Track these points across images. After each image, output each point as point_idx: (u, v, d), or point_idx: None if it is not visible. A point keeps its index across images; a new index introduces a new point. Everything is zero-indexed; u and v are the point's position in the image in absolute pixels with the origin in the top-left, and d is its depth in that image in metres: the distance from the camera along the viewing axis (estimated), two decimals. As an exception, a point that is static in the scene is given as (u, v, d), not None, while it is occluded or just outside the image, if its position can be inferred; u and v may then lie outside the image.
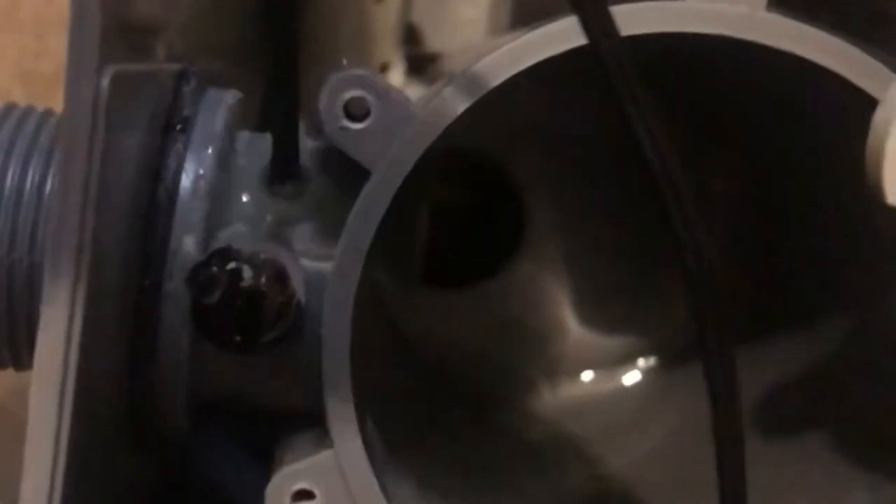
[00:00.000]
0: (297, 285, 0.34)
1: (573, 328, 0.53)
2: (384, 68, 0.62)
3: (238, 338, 0.34)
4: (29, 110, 0.36)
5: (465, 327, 0.53)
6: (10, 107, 0.36)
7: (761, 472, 0.42)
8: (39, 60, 0.82)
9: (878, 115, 0.30)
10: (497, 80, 0.33)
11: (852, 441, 0.42)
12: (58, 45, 0.84)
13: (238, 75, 0.41)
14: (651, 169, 0.27)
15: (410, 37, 0.64)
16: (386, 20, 0.63)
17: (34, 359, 0.27)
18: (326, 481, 0.34)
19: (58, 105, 0.81)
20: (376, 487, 0.34)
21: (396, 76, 0.62)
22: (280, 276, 0.33)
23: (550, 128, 0.51)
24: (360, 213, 0.34)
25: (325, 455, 0.34)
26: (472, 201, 0.54)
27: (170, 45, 0.35)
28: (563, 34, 0.33)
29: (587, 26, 0.28)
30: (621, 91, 0.27)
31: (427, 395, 0.51)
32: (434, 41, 0.64)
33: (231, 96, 0.36)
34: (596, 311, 0.53)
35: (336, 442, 0.34)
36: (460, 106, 0.33)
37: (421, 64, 0.62)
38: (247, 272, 0.33)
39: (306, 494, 0.34)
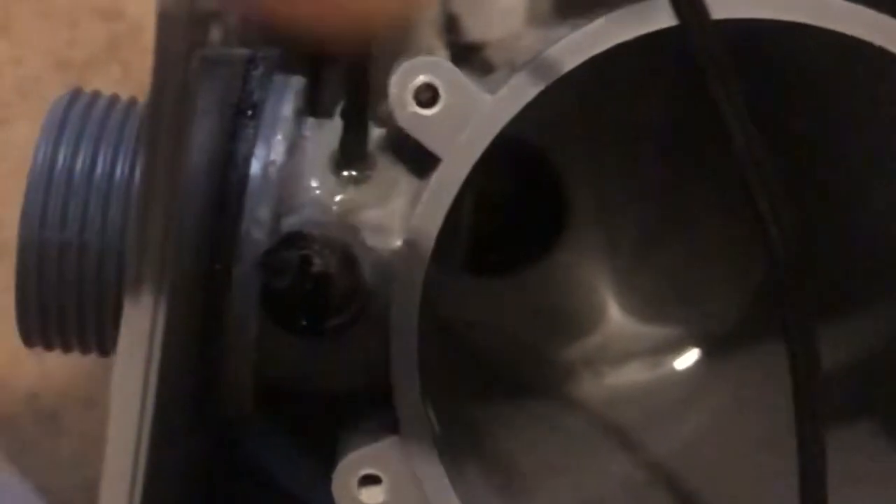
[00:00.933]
0: (365, 270, 0.34)
1: (615, 316, 0.54)
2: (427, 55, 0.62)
3: (305, 321, 0.34)
4: (96, 96, 0.37)
5: (506, 315, 0.53)
6: (78, 92, 0.36)
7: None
8: (72, 48, 0.82)
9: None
10: (565, 68, 0.34)
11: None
12: (90, 33, 0.84)
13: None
14: (736, 146, 0.27)
15: (450, 26, 0.64)
16: (428, 8, 0.63)
17: (119, 342, 0.28)
18: (393, 466, 0.34)
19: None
20: (442, 472, 0.35)
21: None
22: (349, 262, 0.34)
23: (591, 115, 0.51)
24: (429, 198, 0.34)
25: (391, 441, 0.34)
26: (513, 189, 0.54)
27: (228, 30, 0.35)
28: (630, 22, 0.33)
29: (679, 9, 0.28)
30: (711, 72, 0.27)
31: (470, 382, 0.51)
32: (473, 30, 0.64)
33: (297, 82, 0.36)
34: (637, 300, 0.54)
35: (403, 427, 0.34)
36: (530, 92, 0.34)
37: (463, 53, 0.62)
38: (317, 257, 0.33)
39: (372, 479, 0.35)
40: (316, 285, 0.33)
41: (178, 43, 0.26)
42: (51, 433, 0.76)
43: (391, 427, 0.35)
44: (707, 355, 0.51)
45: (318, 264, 0.33)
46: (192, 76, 0.27)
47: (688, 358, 0.52)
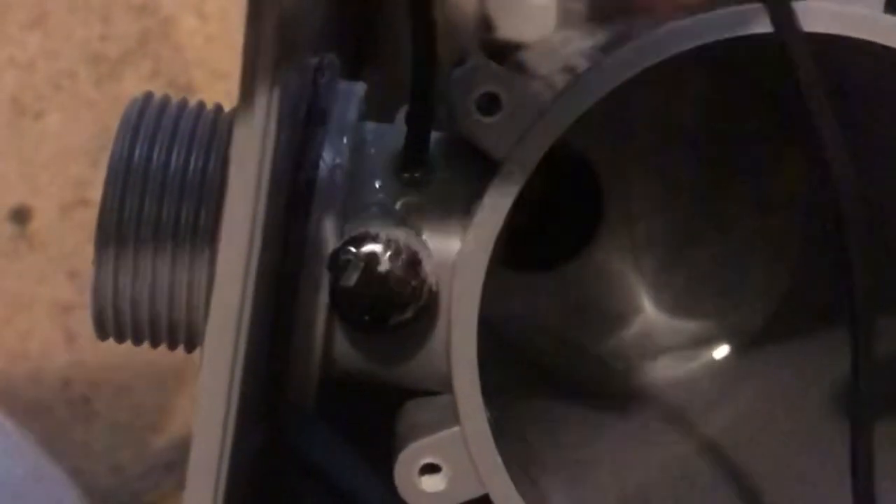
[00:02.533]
0: (429, 270, 0.35)
1: (649, 311, 0.55)
2: (463, 57, 0.63)
3: (370, 318, 0.35)
4: (166, 100, 0.38)
5: (543, 309, 0.54)
6: (150, 95, 0.38)
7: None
8: (105, 43, 0.83)
9: None
10: (624, 77, 0.35)
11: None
12: (123, 28, 0.85)
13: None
14: (821, 148, 0.28)
15: (484, 26, 0.65)
16: (464, 7, 0.64)
17: (206, 337, 0.29)
18: (453, 457, 0.36)
19: (126, 86, 0.82)
20: (500, 463, 0.36)
21: (476, 63, 0.63)
22: (413, 262, 0.35)
23: (627, 113, 0.52)
24: (490, 203, 0.35)
25: (451, 432, 0.36)
26: (551, 185, 0.55)
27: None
28: (690, 31, 0.35)
29: (776, 19, 0.29)
30: (804, 79, 0.29)
31: (509, 377, 0.52)
32: (506, 29, 0.65)
33: (360, 88, 0.38)
34: (672, 295, 0.54)
35: (462, 420, 0.35)
36: (588, 100, 0.35)
37: (497, 53, 0.63)
38: (383, 257, 0.35)
39: (432, 468, 0.36)
40: (382, 284, 0.35)
41: (268, 54, 0.27)
42: (83, 419, 0.78)
43: (451, 419, 0.36)
44: (738, 352, 0.52)
45: (383, 264, 0.35)
46: (281, 86, 0.28)
47: (720, 353, 0.53)
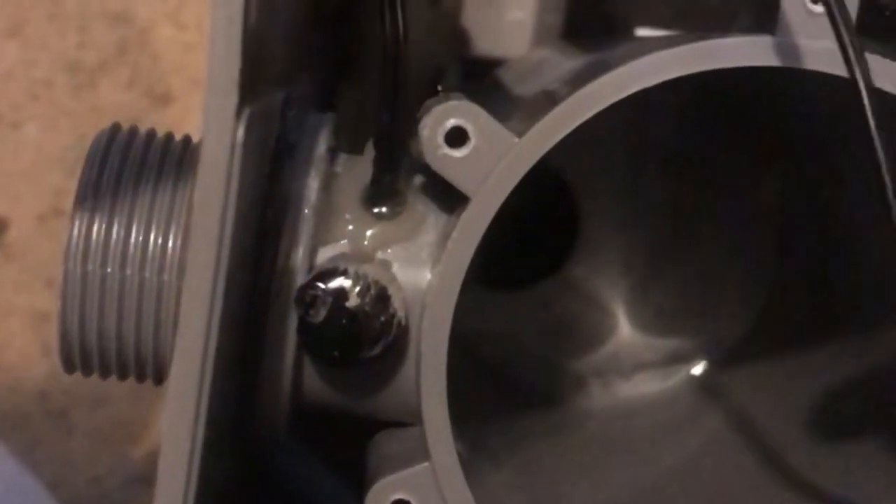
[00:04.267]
0: (398, 305, 0.35)
1: (625, 329, 0.55)
2: (440, 72, 0.63)
3: (339, 354, 0.35)
4: (134, 132, 0.38)
5: (519, 327, 0.55)
6: (117, 128, 0.38)
7: (826, 479, 0.43)
8: (83, 52, 0.83)
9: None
10: (596, 109, 0.35)
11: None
12: (100, 36, 0.85)
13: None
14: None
15: (461, 40, 0.65)
16: (441, 22, 0.64)
17: (171, 373, 0.29)
18: (423, 492, 0.36)
19: (103, 95, 0.82)
20: (470, 499, 0.36)
21: (453, 79, 0.63)
22: (382, 297, 0.35)
23: (604, 133, 0.52)
24: (459, 238, 0.35)
25: (421, 468, 0.35)
26: (527, 203, 0.55)
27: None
28: (663, 66, 0.35)
29: (848, 61, 0.31)
30: (872, 123, 0.30)
31: (484, 395, 0.52)
32: (483, 45, 0.65)
33: (329, 119, 0.37)
34: (648, 313, 0.55)
35: (433, 455, 0.35)
36: (559, 134, 0.35)
37: (475, 68, 0.63)
38: (352, 292, 0.34)
39: (403, 504, 0.36)
40: (351, 320, 0.34)
41: (229, 103, 0.27)
42: (61, 431, 0.77)
43: (421, 453, 0.36)
44: (715, 369, 0.52)
45: (352, 299, 0.34)
46: (244, 133, 0.28)
47: (696, 371, 0.53)
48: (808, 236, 0.51)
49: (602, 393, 0.53)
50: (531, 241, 0.56)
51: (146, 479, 0.77)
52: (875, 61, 0.34)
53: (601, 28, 0.60)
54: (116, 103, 0.80)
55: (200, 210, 0.26)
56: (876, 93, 0.32)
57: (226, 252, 0.28)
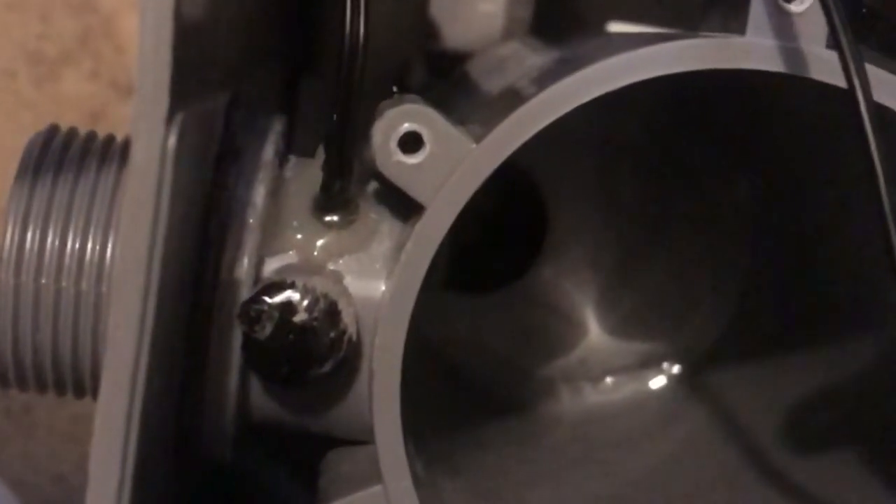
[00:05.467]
0: (349, 320, 0.33)
1: (595, 333, 0.54)
2: (406, 66, 0.62)
3: (286, 372, 0.33)
4: (72, 135, 0.36)
5: (487, 332, 0.53)
6: (54, 130, 0.36)
7: (796, 489, 0.42)
8: (44, 41, 0.81)
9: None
10: (556, 114, 0.33)
11: (882, 460, 0.42)
12: (62, 26, 0.83)
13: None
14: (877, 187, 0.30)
15: (429, 33, 0.64)
16: (406, 15, 0.62)
17: (101, 385, 0.27)
18: (375, 517, 0.34)
19: (66, 86, 0.81)
20: (423, 522, 0.34)
21: (418, 74, 0.62)
22: (332, 311, 0.33)
23: (571, 134, 0.51)
24: (413, 250, 0.33)
25: (374, 492, 0.34)
26: (494, 206, 0.54)
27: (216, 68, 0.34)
28: (628, 67, 0.33)
29: (847, 71, 0.30)
30: (866, 121, 0.29)
31: (449, 400, 0.51)
32: (451, 38, 0.63)
33: (279, 122, 0.36)
34: (619, 316, 0.53)
35: (385, 479, 0.34)
36: (518, 140, 0.33)
37: (441, 61, 0.62)
38: (299, 307, 0.33)
39: (355, 528, 0.34)
40: (298, 336, 0.33)
41: (159, 108, 0.25)
42: (23, 428, 0.76)
43: (374, 474, 0.34)
44: (685, 373, 0.51)
45: (299, 314, 0.33)
46: (176, 140, 0.26)
47: (667, 375, 0.52)
48: (780, 242, 0.50)
49: (571, 398, 0.52)
50: (498, 243, 0.54)
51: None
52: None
53: (570, 23, 0.59)
54: (80, 95, 0.79)
55: (128, 222, 0.25)
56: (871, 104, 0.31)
57: (157, 265, 0.26)
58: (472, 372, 0.52)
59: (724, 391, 0.50)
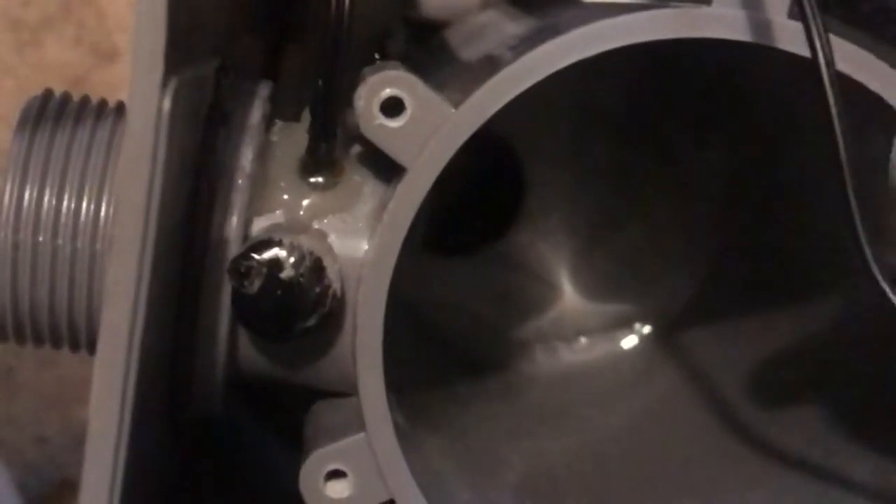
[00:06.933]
0: (334, 276, 0.35)
1: (569, 294, 0.55)
2: (386, 35, 0.62)
3: (274, 326, 0.35)
4: (66, 99, 0.37)
5: (465, 293, 0.54)
6: (49, 94, 0.37)
7: (766, 445, 0.43)
8: (26, 8, 0.81)
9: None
10: (533, 80, 0.35)
11: (848, 416, 0.43)
12: (44, -7, 0.82)
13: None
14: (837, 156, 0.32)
15: (408, 2, 0.64)
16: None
17: (99, 340, 0.28)
18: (358, 462, 0.36)
19: (48, 53, 0.81)
20: (404, 467, 0.36)
21: (398, 43, 0.62)
22: (317, 268, 0.35)
23: (547, 100, 0.52)
24: (395, 210, 0.35)
25: (357, 438, 0.35)
26: (471, 169, 0.55)
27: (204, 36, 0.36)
28: (600, 36, 0.34)
29: (811, 43, 0.31)
30: (829, 98, 0.31)
31: (427, 360, 0.52)
32: (430, 4, 0.64)
33: (265, 87, 0.37)
34: (592, 278, 0.55)
35: (368, 426, 0.35)
36: (495, 105, 0.35)
37: (421, 29, 0.62)
38: (286, 263, 0.34)
39: (339, 474, 0.36)
40: (285, 291, 0.34)
41: (154, 74, 0.26)
42: (7, 391, 0.77)
43: (357, 423, 0.36)
44: (658, 335, 0.53)
45: (286, 271, 0.34)
46: (170, 104, 0.27)
47: (640, 336, 0.53)
48: (749, 207, 0.51)
49: (546, 359, 0.53)
50: (475, 206, 0.55)
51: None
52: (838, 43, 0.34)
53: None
54: (61, 61, 0.79)
55: (126, 182, 0.26)
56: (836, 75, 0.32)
57: (153, 226, 0.28)
58: (449, 332, 0.53)
59: (693, 351, 0.51)
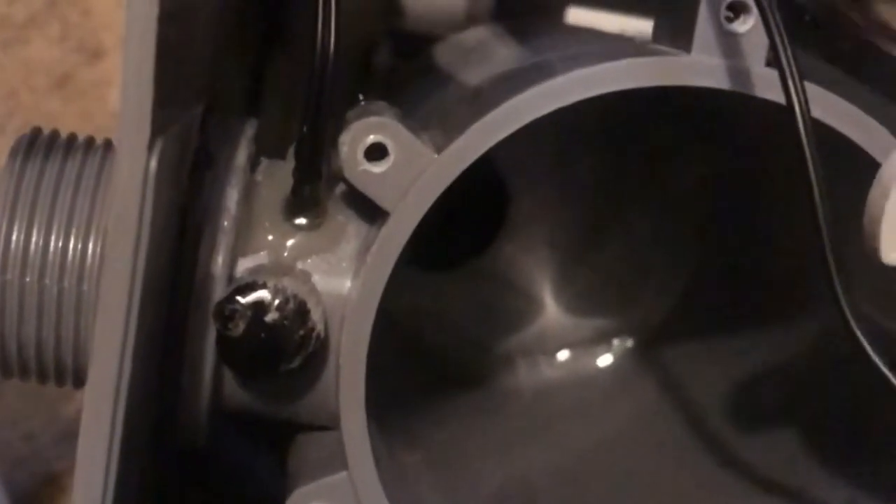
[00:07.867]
0: (318, 318, 0.35)
1: (551, 308, 0.55)
2: (372, 47, 0.63)
3: (258, 367, 0.35)
4: (55, 137, 0.37)
5: (448, 307, 0.55)
6: (37, 132, 0.37)
7: (741, 462, 0.44)
8: (12, 6, 0.81)
9: (882, 173, 0.32)
10: (513, 127, 0.35)
11: (828, 441, 0.44)
12: (30, -10, 0.82)
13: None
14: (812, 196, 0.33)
15: (393, 14, 0.65)
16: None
17: (88, 382, 0.29)
18: (341, 501, 0.36)
19: (34, 50, 0.81)
20: (386, 504, 0.36)
21: (384, 55, 0.63)
22: (301, 311, 0.35)
23: (535, 124, 0.52)
24: (378, 253, 0.35)
25: (340, 477, 0.36)
26: (456, 184, 0.55)
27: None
28: (582, 82, 0.35)
29: (787, 91, 0.32)
30: (805, 139, 0.32)
31: (408, 373, 0.53)
32: (415, 18, 0.64)
33: (250, 126, 0.37)
34: (574, 292, 0.55)
35: (351, 465, 0.36)
36: (476, 152, 0.35)
37: (407, 43, 0.63)
38: (270, 307, 0.35)
39: (322, 511, 0.36)
40: (269, 334, 0.35)
41: (142, 135, 0.27)
42: (-8, 387, 0.77)
43: (340, 459, 0.37)
44: (637, 348, 0.53)
45: (270, 313, 0.35)
46: (157, 163, 0.28)
47: (621, 351, 0.54)
48: (729, 224, 0.52)
49: (528, 372, 0.54)
50: (459, 221, 0.56)
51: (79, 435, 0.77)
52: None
53: (531, 8, 0.60)
54: (47, 59, 0.79)
55: (113, 238, 0.26)
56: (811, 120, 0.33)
57: (140, 275, 0.28)
58: (431, 345, 0.54)
59: (674, 366, 0.52)
